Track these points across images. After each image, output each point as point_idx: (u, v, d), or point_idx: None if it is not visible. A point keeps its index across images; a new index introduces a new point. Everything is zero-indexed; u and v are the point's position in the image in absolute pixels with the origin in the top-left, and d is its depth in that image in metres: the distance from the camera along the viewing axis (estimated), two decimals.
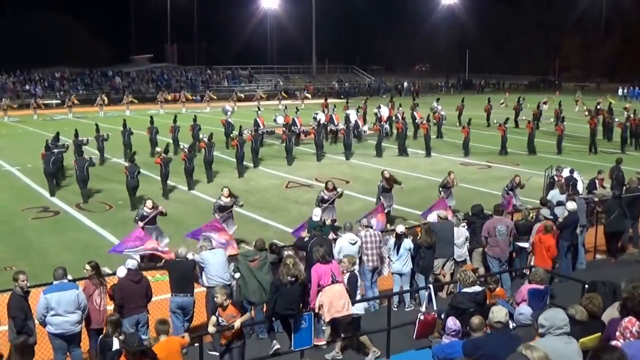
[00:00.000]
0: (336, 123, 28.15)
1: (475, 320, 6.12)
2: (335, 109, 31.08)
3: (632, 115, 27.56)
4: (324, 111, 30.36)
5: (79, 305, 7.92)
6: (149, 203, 12.53)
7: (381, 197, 14.97)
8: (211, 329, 7.52)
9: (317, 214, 11.32)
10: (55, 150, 19.55)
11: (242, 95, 45.61)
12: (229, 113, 29.53)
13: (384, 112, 30.48)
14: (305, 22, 66.20)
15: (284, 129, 26.39)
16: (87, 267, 8.40)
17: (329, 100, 38.95)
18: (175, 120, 25.90)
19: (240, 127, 24.28)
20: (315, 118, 28.12)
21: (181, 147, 22.99)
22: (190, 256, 9.21)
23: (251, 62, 63.84)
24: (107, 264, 10.65)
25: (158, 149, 21.14)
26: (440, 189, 15.21)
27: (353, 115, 28.82)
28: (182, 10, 66.68)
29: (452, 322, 6.66)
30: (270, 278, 8.83)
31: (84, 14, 65.85)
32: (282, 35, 71.17)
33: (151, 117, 26.75)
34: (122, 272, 8.54)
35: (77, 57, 58.39)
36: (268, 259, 9.25)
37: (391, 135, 28.20)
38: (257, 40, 70.11)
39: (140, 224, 12.01)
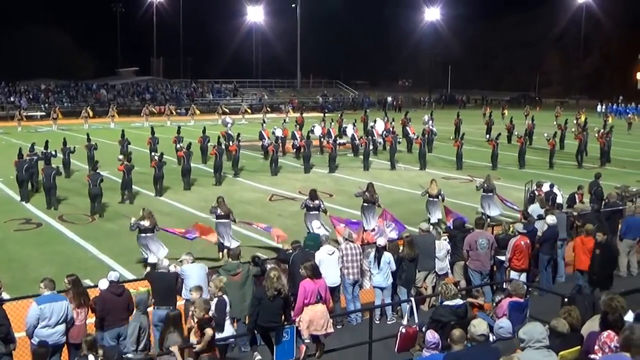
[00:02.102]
0: (333, 136, 28.29)
1: (456, 332, 6.17)
2: (333, 123, 31.55)
3: (602, 130, 28.12)
4: (297, 126, 30.47)
5: (67, 316, 7.89)
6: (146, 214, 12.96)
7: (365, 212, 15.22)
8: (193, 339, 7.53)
9: (317, 225, 11.31)
10: (28, 158, 19.94)
11: (227, 110, 45.65)
12: (229, 125, 29.72)
13: (379, 126, 30.68)
14: (290, 36, 66.63)
15: (277, 142, 26.62)
16: (66, 280, 8.35)
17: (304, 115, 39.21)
18: (152, 132, 26.71)
19: (219, 137, 24.73)
20: (312, 131, 28.23)
21: (152, 155, 23.09)
22: (172, 268, 9.21)
23: (236, 76, 64.01)
24: (88, 277, 10.61)
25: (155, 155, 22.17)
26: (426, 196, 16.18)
27: (350, 130, 29.05)
28: (168, 23, 66.80)
29: (431, 336, 6.66)
30: (253, 291, 8.84)
31: (71, 26, 65.76)
32: (267, 50, 71.52)
33: (152, 128, 28.05)
34: (103, 284, 8.50)
35: (63, 69, 58.21)
36: (250, 272, 9.26)
37: (384, 149, 28.32)
38: (243, 54, 70.39)
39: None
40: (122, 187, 19.04)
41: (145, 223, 12.70)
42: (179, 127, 27.94)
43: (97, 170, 18.24)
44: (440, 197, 16.01)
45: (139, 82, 57.96)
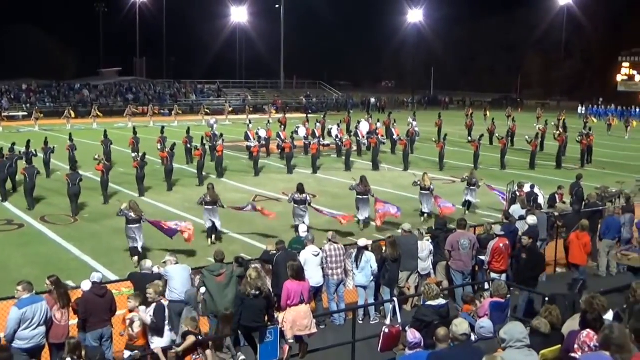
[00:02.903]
0: (317, 136, 28.33)
1: (442, 331, 6.22)
2: (318, 124, 31.65)
3: (584, 135, 28.42)
4: (281, 127, 30.42)
5: (46, 317, 7.84)
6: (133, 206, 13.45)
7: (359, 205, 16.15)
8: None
9: (303, 229, 11.37)
10: (7, 158, 19.84)
11: (208, 110, 45.54)
12: (214, 126, 29.61)
13: (364, 127, 30.75)
14: (274, 37, 66.57)
15: (261, 142, 26.85)
16: (48, 282, 8.29)
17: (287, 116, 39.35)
18: (135, 133, 26.71)
19: (202, 137, 24.73)
20: (296, 132, 28.42)
21: (133, 155, 23.02)
22: (155, 269, 9.19)
23: (220, 77, 63.84)
24: (71, 278, 10.54)
25: (133, 155, 22.25)
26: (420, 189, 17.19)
27: (335, 130, 29.14)
28: (152, 24, 66.42)
29: (412, 335, 6.68)
30: (237, 292, 8.84)
31: (53, 26, 65.17)
32: (251, 50, 71.40)
33: (134, 129, 28.01)
34: (86, 285, 8.45)
35: (45, 69, 57.58)
36: (235, 273, 9.26)
37: (367, 150, 28.40)
38: (226, 55, 70.20)
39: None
40: (104, 188, 18.95)
41: (131, 214, 13.16)
42: (163, 128, 27.85)
43: (77, 170, 18.22)
44: (431, 189, 17.01)
45: (121, 82, 57.53)
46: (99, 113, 42.15)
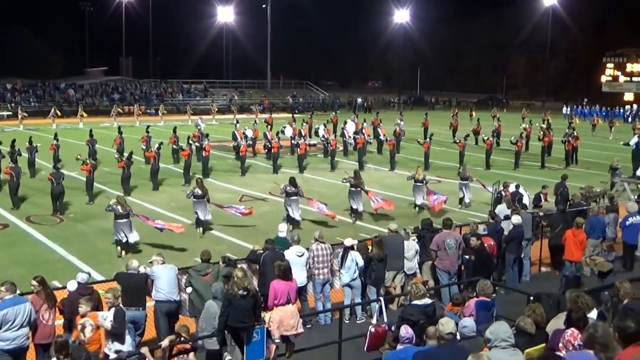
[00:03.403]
0: (304, 136, 28.29)
1: (431, 329, 6.29)
2: (304, 124, 31.63)
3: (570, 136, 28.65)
4: (268, 126, 30.39)
5: (30, 318, 7.78)
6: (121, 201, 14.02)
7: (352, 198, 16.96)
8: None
9: (282, 229, 11.35)
10: None
11: (191, 110, 45.37)
12: (202, 126, 29.45)
13: (350, 127, 30.79)
14: (260, 37, 66.42)
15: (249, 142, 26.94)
16: (34, 282, 8.23)
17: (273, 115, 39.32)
18: (120, 132, 26.76)
19: (189, 137, 24.68)
20: (282, 132, 28.53)
21: (116, 156, 22.92)
22: (142, 269, 9.15)
23: (206, 77, 63.58)
24: (57, 278, 10.48)
25: (116, 155, 22.44)
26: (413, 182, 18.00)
27: (322, 130, 29.13)
28: (138, 23, 65.94)
29: (405, 330, 6.76)
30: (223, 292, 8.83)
31: (38, 25, 64.63)
32: (237, 50, 71.20)
33: (119, 128, 28.17)
34: (72, 285, 8.41)
35: (30, 68, 57.07)
36: (221, 272, 9.26)
37: (354, 150, 28.44)
38: (213, 55, 70.02)
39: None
40: (89, 188, 18.85)
41: (119, 208, 13.65)
42: (148, 127, 27.73)
43: (60, 169, 18.17)
44: (424, 181, 17.91)
45: (107, 81, 57.13)
46: (83, 113, 41.86)
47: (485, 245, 11.00)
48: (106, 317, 7.56)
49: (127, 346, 7.73)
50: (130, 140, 26.41)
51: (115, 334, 7.58)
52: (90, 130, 26.83)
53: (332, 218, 16.28)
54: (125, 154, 21.32)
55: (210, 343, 8.19)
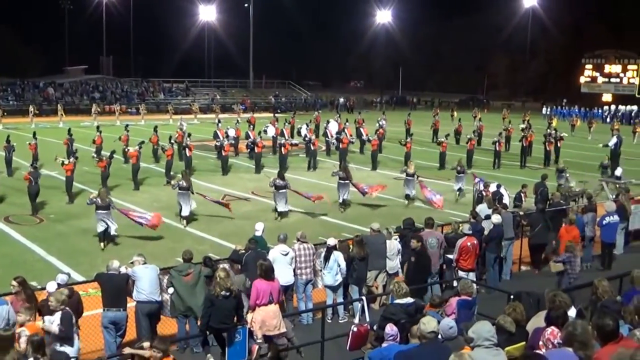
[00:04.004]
0: (287, 137, 28.27)
1: (415, 328, 6.32)
2: (287, 124, 31.49)
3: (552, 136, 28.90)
4: (250, 126, 30.35)
5: (9, 321, 7.65)
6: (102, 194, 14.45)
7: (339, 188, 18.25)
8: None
9: (258, 228, 11.33)
10: None
11: (172, 110, 45.10)
12: (184, 127, 29.28)
13: (333, 126, 30.79)
14: (243, 36, 66.20)
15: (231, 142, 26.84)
16: (14, 282, 8.14)
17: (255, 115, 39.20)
18: (98, 131, 26.50)
19: (170, 137, 24.39)
20: (265, 132, 28.51)
21: (93, 155, 22.73)
22: (123, 269, 9.08)
23: (188, 76, 63.21)
24: (36, 279, 10.36)
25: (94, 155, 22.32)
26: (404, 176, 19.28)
27: (304, 130, 29.15)
28: (119, 21, 65.31)
29: (390, 328, 6.81)
30: (205, 292, 8.80)
31: (17, 23, 63.54)
32: (219, 49, 70.86)
33: (97, 127, 27.71)
34: (52, 286, 8.31)
35: (9, 67, 56.15)
36: (202, 273, 9.22)
37: (336, 150, 28.42)
38: (195, 54, 69.52)
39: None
40: (69, 188, 18.66)
41: (99, 201, 14.07)
42: (127, 126, 27.55)
43: (37, 168, 18.06)
44: (416, 175, 19.12)
45: (87, 80, 56.58)
46: (62, 113, 41.46)
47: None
48: (53, 321, 7.40)
49: (75, 350, 7.61)
50: (111, 139, 26.14)
51: (64, 338, 7.45)
52: (69, 130, 26.57)
53: (319, 199, 17.50)
54: (107, 153, 21.09)
55: None
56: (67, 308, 7.67)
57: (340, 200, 18.28)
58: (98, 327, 8.82)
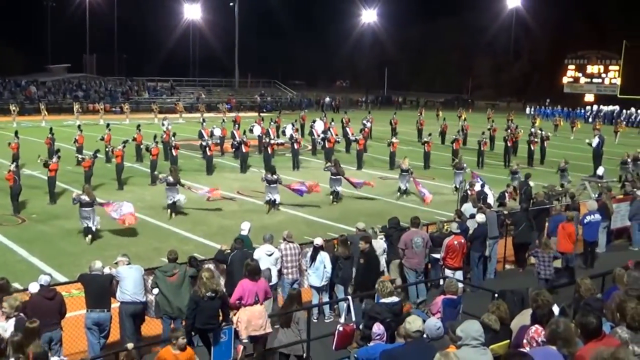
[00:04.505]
0: (272, 136, 28.19)
1: (402, 327, 6.33)
2: (272, 123, 31.48)
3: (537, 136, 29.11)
4: (235, 125, 30.25)
5: None
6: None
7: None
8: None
9: (244, 227, 11.29)
10: None
11: (157, 109, 44.85)
12: (168, 126, 29.11)
13: (319, 126, 30.75)
14: (228, 35, 65.97)
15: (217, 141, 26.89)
16: None
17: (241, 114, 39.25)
18: (80, 129, 26.41)
19: (155, 136, 24.22)
20: (251, 131, 28.58)
21: (76, 155, 22.51)
22: (106, 270, 9.01)
23: (173, 74, 62.89)
24: (17, 280, 10.25)
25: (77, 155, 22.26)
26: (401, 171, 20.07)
27: (289, 130, 29.08)
28: (102, 19, 64.74)
29: (377, 327, 6.82)
30: (190, 292, 8.75)
31: None
32: (204, 48, 70.58)
33: (79, 127, 27.53)
34: (34, 288, 8.22)
35: None
36: (187, 273, 9.17)
37: (322, 149, 28.43)
38: (180, 53, 69.15)
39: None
40: (52, 188, 18.46)
41: (86, 197, 14.29)
42: (108, 125, 27.38)
43: (20, 168, 17.93)
44: (410, 171, 19.97)
45: (70, 79, 56.11)
46: (45, 112, 41.08)
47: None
48: (7, 329, 7.23)
49: None
50: (93, 138, 25.91)
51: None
52: (51, 129, 26.31)
53: (314, 188, 18.00)
54: (90, 153, 20.90)
55: None
56: (22, 314, 7.51)
57: (332, 189, 19.12)
58: (81, 328, 8.74)
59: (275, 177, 17.81)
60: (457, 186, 20.24)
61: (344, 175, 19.28)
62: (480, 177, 18.36)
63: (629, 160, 23.35)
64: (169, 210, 16.96)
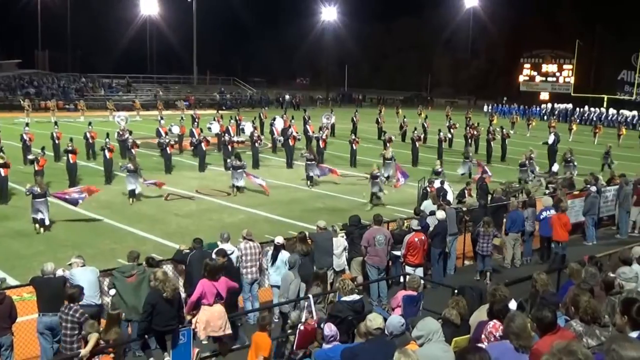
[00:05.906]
0: (232, 134, 27.88)
1: (362, 326, 6.29)
2: (232, 120, 31.14)
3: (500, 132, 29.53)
4: (195, 123, 29.81)
5: None
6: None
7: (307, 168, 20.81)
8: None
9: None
10: None
11: (113, 106, 44.02)
12: (122, 124, 28.45)
13: (279, 124, 30.54)
14: (186, 31, 65.11)
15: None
16: None
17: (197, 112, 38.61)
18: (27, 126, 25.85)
19: (107, 134, 23.45)
20: (209, 129, 28.39)
21: (29, 157, 21.87)
22: (59, 272, 8.73)
23: (129, 71, 61.69)
24: None
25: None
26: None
27: (249, 127, 28.78)
28: (54, 14, 62.79)
29: (329, 329, 6.74)
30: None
31: None
32: (162, 44, 69.34)
33: (26, 124, 26.98)
34: None
35: None
36: (146, 274, 8.96)
37: (282, 147, 28.24)
38: (136, 49, 67.73)
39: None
40: (5, 187, 17.88)
41: (37, 189, 14.66)
42: (56, 123, 26.69)
43: None
44: (393, 159, 21.29)
45: (21, 75, 54.56)
46: None
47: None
48: None
49: None
50: (43, 136, 25.21)
51: None
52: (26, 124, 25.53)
53: (266, 192, 18.91)
54: (38, 150, 20.28)
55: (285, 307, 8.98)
56: None
57: (312, 176, 20.74)
58: (34, 332, 8.45)
59: (241, 162, 19.17)
60: (462, 175, 21.93)
61: (317, 161, 21.14)
62: (486, 169, 20.16)
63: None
64: (131, 199, 18.09)
